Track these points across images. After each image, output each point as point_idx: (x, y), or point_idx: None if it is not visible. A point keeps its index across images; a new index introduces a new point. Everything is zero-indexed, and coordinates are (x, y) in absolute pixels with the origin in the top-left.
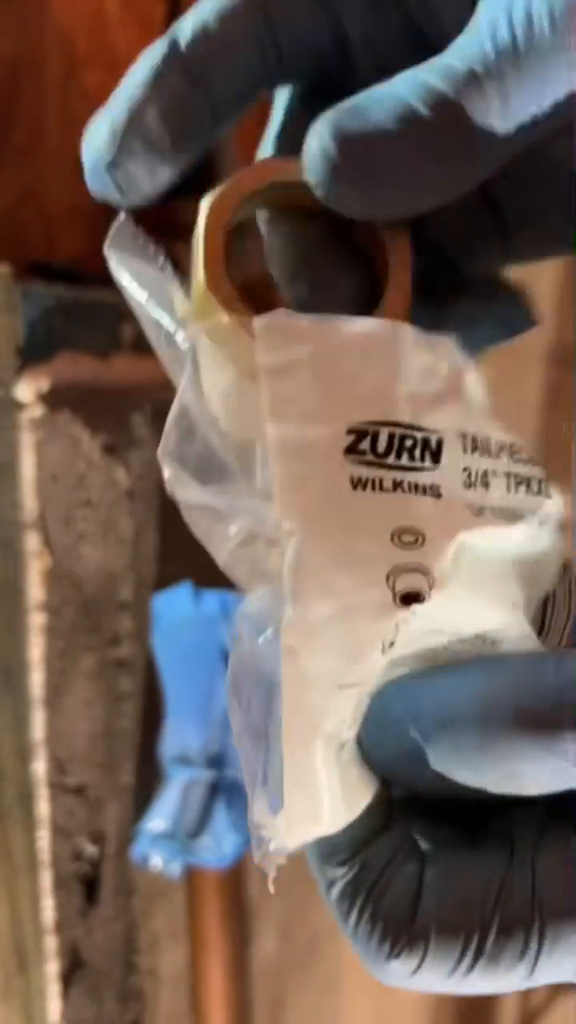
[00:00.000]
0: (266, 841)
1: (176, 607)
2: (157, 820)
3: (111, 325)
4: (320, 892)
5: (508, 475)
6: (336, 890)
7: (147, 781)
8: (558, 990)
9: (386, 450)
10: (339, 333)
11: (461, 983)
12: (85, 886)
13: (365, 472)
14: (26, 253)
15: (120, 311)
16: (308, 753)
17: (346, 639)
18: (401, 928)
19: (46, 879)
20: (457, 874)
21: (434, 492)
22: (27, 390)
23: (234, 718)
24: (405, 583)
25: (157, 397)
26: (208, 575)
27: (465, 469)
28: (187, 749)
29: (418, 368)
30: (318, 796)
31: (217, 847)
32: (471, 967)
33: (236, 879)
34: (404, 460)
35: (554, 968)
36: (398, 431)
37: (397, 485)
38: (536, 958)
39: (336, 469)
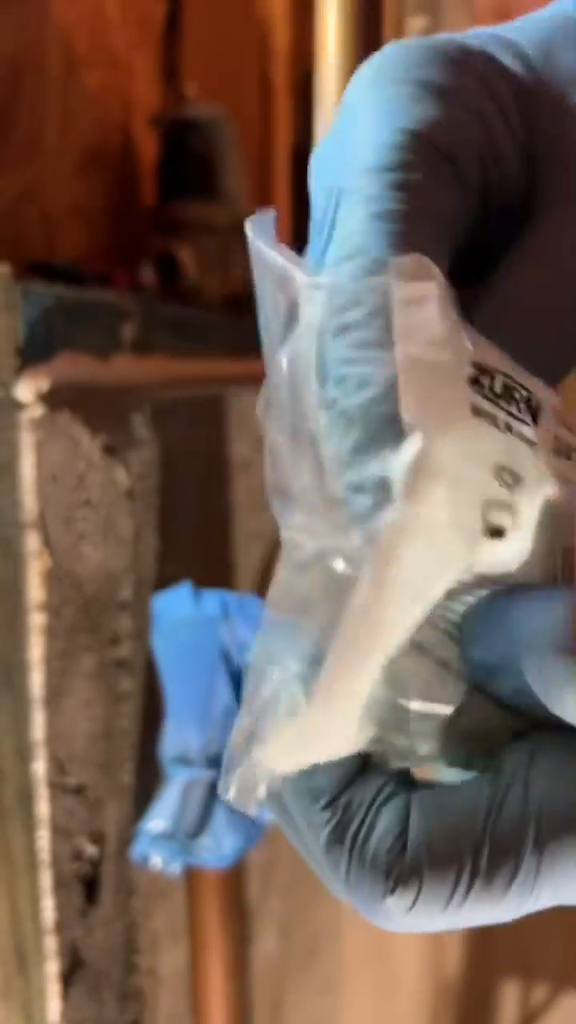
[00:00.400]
0: (255, 762)
1: (176, 607)
2: (157, 820)
3: (111, 325)
4: (303, 841)
5: None
6: (323, 836)
7: (147, 781)
8: (558, 990)
9: (502, 393)
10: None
11: (459, 913)
12: (85, 886)
13: (485, 405)
14: (26, 253)
15: (120, 311)
16: (359, 668)
17: (435, 554)
18: (392, 865)
19: (46, 879)
20: (443, 802)
21: (532, 446)
22: (27, 390)
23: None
24: (494, 518)
25: (157, 397)
26: (208, 575)
27: (557, 437)
28: (187, 749)
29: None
30: (345, 720)
31: (217, 847)
32: (467, 893)
33: (236, 879)
34: (513, 409)
35: (559, 889)
36: (510, 381)
37: (508, 427)
38: (536, 875)
39: (460, 393)
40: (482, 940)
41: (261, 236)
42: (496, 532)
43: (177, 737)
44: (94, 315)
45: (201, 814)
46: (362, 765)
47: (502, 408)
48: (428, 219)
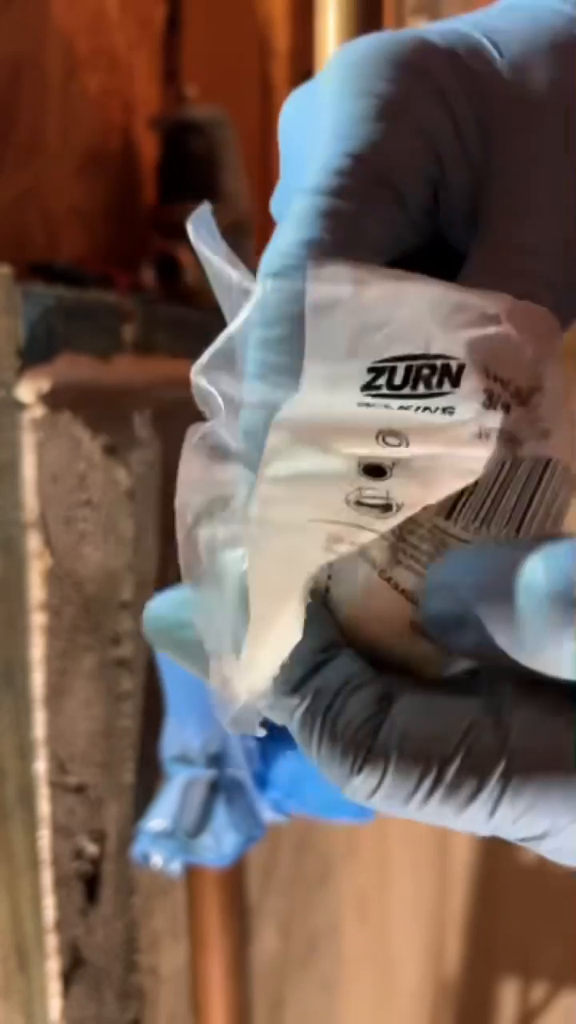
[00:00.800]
0: (234, 695)
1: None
2: (157, 819)
3: (112, 326)
4: (289, 727)
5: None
6: (296, 717)
7: (147, 780)
8: (558, 990)
9: (402, 383)
10: (379, 279)
11: (420, 809)
12: (86, 885)
13: (374, 401)
14: (27, 254)
15: (121, 312)
16: (276, 604)
17: (314, 493)
18: (360, 746)
19: (47, 878)
20: (429, 706)
21: (448, 411)
22: (28, 391)
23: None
24: (371, 461)
25: (158, 398)
26: None
27: (487, 391)
28: (187, 748)
29: (450, 303)
30: (279, 646)
31: (217, 846)
32: (429, 793)
33: (236, 878)
34: (420, 388)
35: (521, 821)
36: (415, 363)
37: (403, 408)
38: (497, 802)
39: (350, 399)
40: (482, 940)
41: (201, 233)
42: (373, 469)
43: (177, 736)
44: (95, 316)
45: (201, 813)
46: (327, 659)
47: (399, 396)
48: (355, 249)
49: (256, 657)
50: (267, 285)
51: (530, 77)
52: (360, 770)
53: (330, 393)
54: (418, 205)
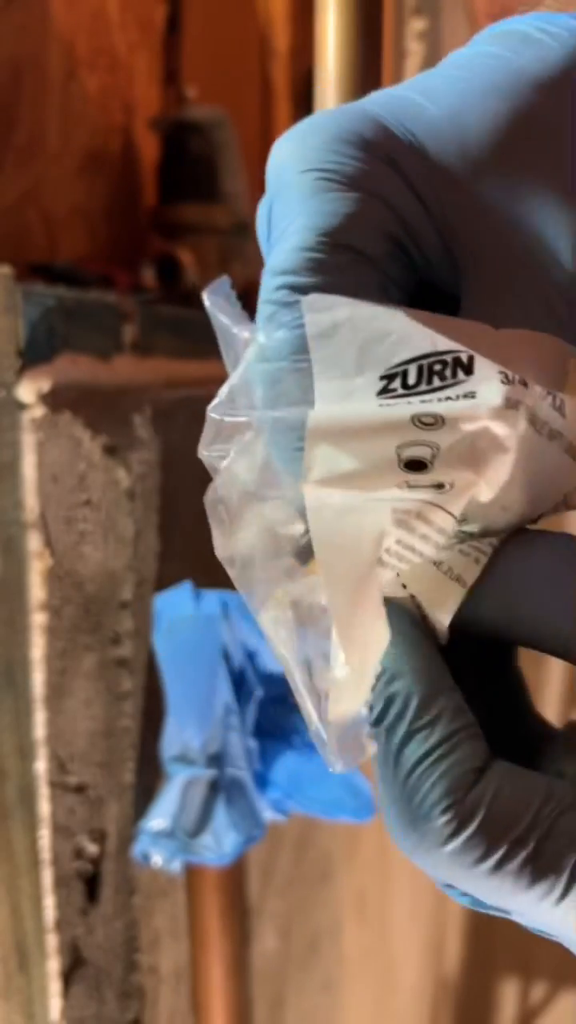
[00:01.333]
0: (338, 713)
1: (176, 607)
2: (157, 819)
3: (112, 326)
4: (377, 737)
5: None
6: (403, 731)
7: (148, 780)
8: (557, 989)
9: (416, 381)
10: (372, 306)
11: (489, 876)
12: (86, 884)
13: (393, 402)
14: (27, 254)
15: (121, 312)
16: (356, 593)
17: (365, 482)
18: (455, 790)
19: (47, 877)
20: (524, 778)
21: (469, 396)
22: (28, 391)
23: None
24: (411, 452)
25: (158, 398)
26: (208, 575)
27: (501, 371)
28: (187, 748)
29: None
30: (373, 642)
31: (217, 846)
32: (504, 859)
33: (236, 878)
34: (436, 382)
35: None
36: (426, 361)
37: (425, 402)
38: (568, 886)
39: (368, 407)
40: (482, 940)
41: (216, 301)
42: (415, 464)
43: (177, 736)
44: (95, 316)
45: (201, 813)
46: (453, 690)
47: (416, 393)
48: None
49: (351, 660)
50: (265, 328)
51: (466, 120)
52: (445, 813)
53: (345, 405)
54: (387, 261)
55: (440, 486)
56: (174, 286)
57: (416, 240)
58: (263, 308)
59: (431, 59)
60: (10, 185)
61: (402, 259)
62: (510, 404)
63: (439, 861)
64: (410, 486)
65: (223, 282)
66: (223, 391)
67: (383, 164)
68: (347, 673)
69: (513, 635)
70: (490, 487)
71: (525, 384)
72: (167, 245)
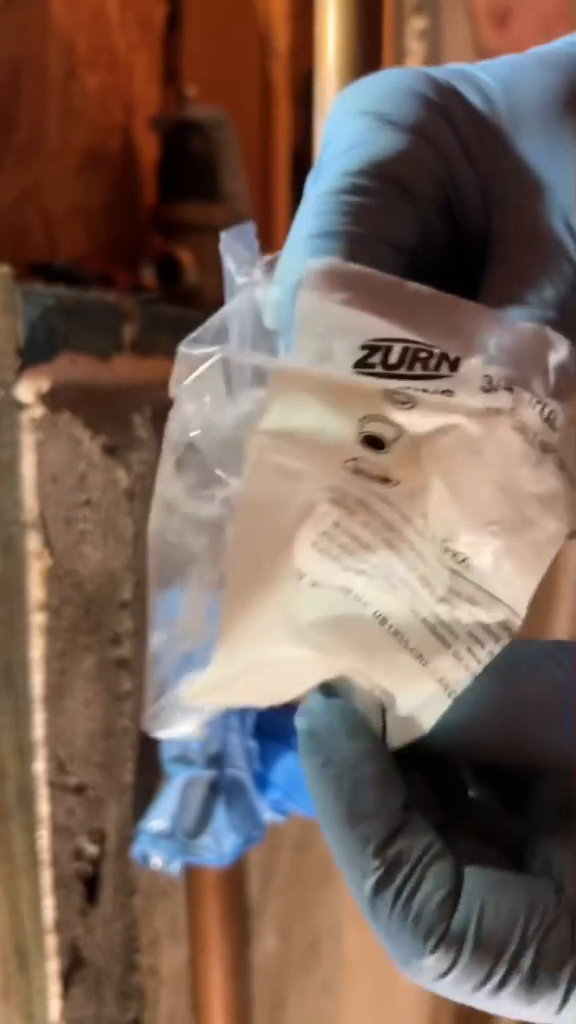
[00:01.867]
0: (173, 699)
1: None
2: (157, 819)
3: (112, 326)
4: (349, 885)
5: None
6: (369, 883)
7: (147, 781)
8: None
9: (398, 362)
10: (385, 282)
11: (490, 998)
12: (85, 885)
13: (368, 374)
14: (27, 254)
15: (121, 312)
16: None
17: (312, 452)
18: (435, 926)
19: (46, 878)
20: (503, 888)
21: (446, 393)
22: (28, 390)
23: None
24: (373, 429)
25: (157, 397)
26: None
27: (486, 376)
28: (187, 749)
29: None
30: (255, 661)
31: (217, 847)
32: (502, 983)
33: (236, 879)
34: (417, 370)
35: None
36: (412, 346)
37: (400, 377)
38: (565, 996)
39: (343, 370)
40: None
41: (229, 244)
42: (373, 441)
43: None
44: (95, 316)
45: (201, 813)
46: (407, 818)
47: (396, 376)
48: (371, 240)
49: (223, 652)
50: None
51: (519, 89)
52: (432, 952)
53: (322, 366)
54: (432, 206)
55: (387, 480)
56: (174, 286)
57: (460, 194)
58: (282, 270)
59: (431, 58)
60: (10, 184)
61: (443, 208)
62: (490, 411)
63: (442, 990)
64: (356, 472)
65: (247, 227)
66: (200, 328)
67: (439, 117)
68: (215, 667)
69: (503, 758)
70: (451, 489)
71: (511, 390)
72: (167, 244)
